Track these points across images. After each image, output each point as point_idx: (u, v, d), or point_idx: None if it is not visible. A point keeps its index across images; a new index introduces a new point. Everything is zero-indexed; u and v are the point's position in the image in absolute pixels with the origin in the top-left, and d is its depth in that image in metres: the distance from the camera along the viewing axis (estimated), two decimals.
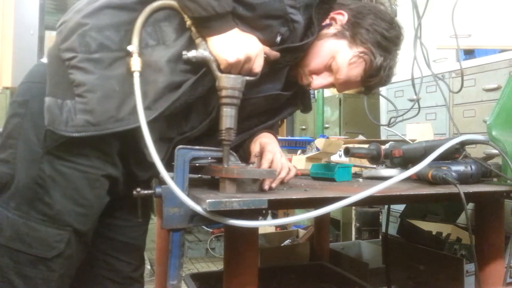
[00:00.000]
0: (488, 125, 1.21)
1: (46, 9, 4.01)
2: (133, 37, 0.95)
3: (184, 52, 0.97)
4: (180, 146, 0.94)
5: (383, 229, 2.10)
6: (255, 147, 1.17)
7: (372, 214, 3.34)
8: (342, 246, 2.51)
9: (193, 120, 1.08)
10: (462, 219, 2.09)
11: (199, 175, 1.14)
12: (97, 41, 0.94)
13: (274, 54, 1.06)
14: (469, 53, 2.73)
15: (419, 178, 1.22)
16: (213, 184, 1.04)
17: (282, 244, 2.61)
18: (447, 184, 1.12)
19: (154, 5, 0.97)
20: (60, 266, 0.98)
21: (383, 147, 1.44)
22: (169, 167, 0.94)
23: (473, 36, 2.25)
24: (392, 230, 2.20)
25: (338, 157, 1.80)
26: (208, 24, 0.96)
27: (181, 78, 0.99)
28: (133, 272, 1.20)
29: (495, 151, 1.29)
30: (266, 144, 1.15)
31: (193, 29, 0.98)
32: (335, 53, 1.13)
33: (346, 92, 1.84)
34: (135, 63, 0.93)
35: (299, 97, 1.28)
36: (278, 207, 1.65)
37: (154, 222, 1.66)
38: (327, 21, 1.14)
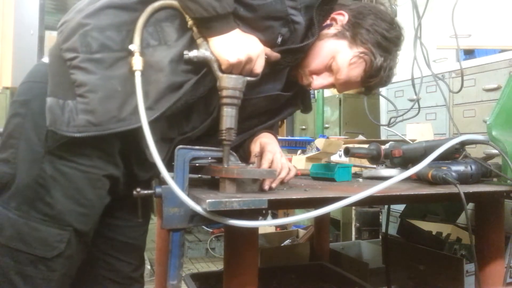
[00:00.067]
0: (488, 125, 1.21)
1: (46, 9, 4.01)
2: (134, 36, 0.95)
3: (185, 52, 0.97)
4: (180, 146, 0.94)
5: (383, 229, 2.10)
6: (255, 147, 1.17)
7: (372, 214, 3.34)
8: (342, 246, 2.51)
9: (194, 120, 1.08)
10: (462, 219, 2.09)
11: (199, 175, 1.14)
12: (98, 41, 0.94)
13: (275, 55, 1.06)
14: (469, 53, 2.73)
15: (419, 178, 1.22)
16: (213, 184, 1.04)
17: (282, 244, 2.61)
18: (447, 184, 1.12)
19: (156, 5, 0.98)
20: (60, 266, 0.98)
21: (383, 147, 1.44)
22: (169, 167, 0.94)
23: (473, 36, 2.24)
24: (392, 230, 2.20)
25: (338, 157, 1.80)
26: (209, 24, 0.96)
27: (183, 78, 0.99)
28: (133, 272, 1.20)
29: (495, 151, 1.29)
30: (266, 144, 1.15)
31: (194, 29, 0.98)
32: (336, 53, 1.13)
33: (346, 92, 1.84)
34: (137, 63, 0.94)
35: (299, 97, 1.28)
36: (278, 207, 1.66)
37: (154, 222, 1.66)
38: (328, 21, 1.14)
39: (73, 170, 0.97)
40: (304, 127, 4.52)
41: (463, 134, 1.28)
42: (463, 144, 1.23)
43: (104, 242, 1.15)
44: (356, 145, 1.78)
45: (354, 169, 1.52)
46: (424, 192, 1.09)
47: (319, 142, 1.71)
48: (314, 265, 2.03)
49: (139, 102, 0.91)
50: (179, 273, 0.99)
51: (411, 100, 2.65)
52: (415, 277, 1.93)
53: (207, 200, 0.82)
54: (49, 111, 0.92)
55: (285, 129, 4.66)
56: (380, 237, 2.92)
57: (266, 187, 0.99)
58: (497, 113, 1.22)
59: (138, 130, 0.92)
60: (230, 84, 0.98)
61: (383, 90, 2.87)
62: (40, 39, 3.71)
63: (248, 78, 1.01)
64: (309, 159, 1.65)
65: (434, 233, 2.15)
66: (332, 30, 1.14)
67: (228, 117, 0.98)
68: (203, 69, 0.99)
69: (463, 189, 1.06)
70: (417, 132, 2.06)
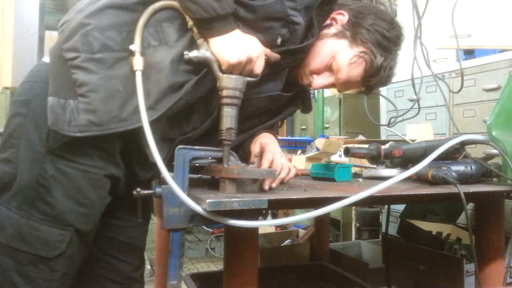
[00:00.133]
0: (488, 125, 1.21)
1: (46, 9, 4.01)
2: (135, 36, 0.95)
3: (185, 52, 0.97)
4: (180, 146, 0.94)
5: (383, 229, 2.10)
6: (255, 147, 1.17)
7: (372, 214, 3.34)
8: (342, 246, 2.51)
9: (195, 120, 1.08)
10: (462, 219, 2.08)
11: (199, 175, 1.14)
12: (99, 41, 0.94)
13: (275, 56, 1.06)
14: (469, 53, 2.73)
15: (419, 178, 1.22)
16: (213, 184, 1.04)
17: (282, 244, 2.61)
18: (447, 184, 1.12)
19: (156, 5, 0.98)
20: (61, 266, 0.99)
21: (383, 147, 1.44)
22: (170, 167, 0.94)
23: (473, 36, 2.25)
24: (392, 230, 2.20)
25: (338, 157, 1.80)
26: (210, 25, 0.97)
27: (183, 79, 0.99)
28: (133, 272, 1.20)
29: (495, 151, 1.29)
30: (266, 144, 1.15)
31: (194, 29, 0.98)
32: (336, 53, 1.14)
33: (346, 92, 1.84)
34: (137, 62, 0.94)
35: (299, 97, 1.28)
36: (278, 207, 1.66)
37: (154, 222, 1.66)
38: (328, 21, 1.14)
39: (74, 170, 0.97)
40: (304, 127, 4.52)
41: (463, 134, 1.28)
42: (463, 144, 1.23)
43: (104, 242, 1.15)
44: (356, 145, 1.78)
45: (354, 169, 1.52)
46: (424, 192, 1.09)
47: (319, 142, 1.71)
48: (314, 265, 2.03)
49: (140, 102, 0.92)
50: (179, 273, 0.99)
51: (411, 100, 2.65)
52: (415, 277, 1.93)
53: (207, 200, 0.82)
54: (51, 110, 0.93)
55: (285, 129, 4.66)
56: (380, 237, 2.92)
57: (266, 187, 1.00)
58: (497, 113, 1.22)
59: (139, 130, 0.92)
60: (230, 84, 0.98)
61: (383, 90, 2.87)
62: (40, 39, 3.71)
63: (248, 79, 1.01)
64: (309, 159, 1.65)
65: (434, 233, 2.15)
66: (332, 30, 1.14)
67: (228, 117, 0.98)
68: (203, 69, 0.99)
69: (463, 189, 1.06)
70: (417, 132, 2.06)
